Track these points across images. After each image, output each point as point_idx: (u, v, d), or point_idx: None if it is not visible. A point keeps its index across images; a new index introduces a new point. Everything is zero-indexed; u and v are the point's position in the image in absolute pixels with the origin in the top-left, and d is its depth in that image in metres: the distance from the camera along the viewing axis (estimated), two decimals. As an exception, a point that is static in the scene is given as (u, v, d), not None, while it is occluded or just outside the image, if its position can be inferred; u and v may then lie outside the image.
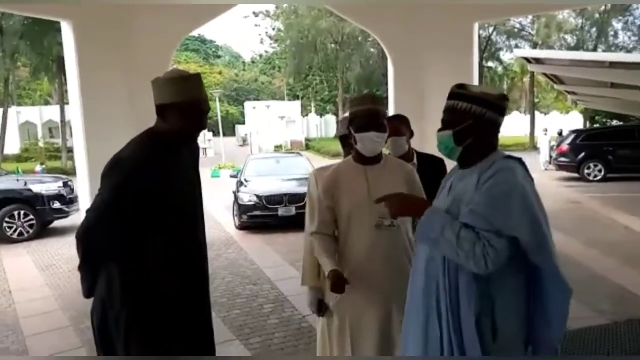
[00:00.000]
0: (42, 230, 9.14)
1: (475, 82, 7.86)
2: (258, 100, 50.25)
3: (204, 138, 30.60)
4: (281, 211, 8.74)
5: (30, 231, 8.84)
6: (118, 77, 6.83)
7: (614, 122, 26.84)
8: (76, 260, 2.07)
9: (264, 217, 8.85)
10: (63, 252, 7.74)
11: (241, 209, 8.95)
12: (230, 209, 9.83)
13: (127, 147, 2.03)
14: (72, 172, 12.53)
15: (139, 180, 1.93)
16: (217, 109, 29.84)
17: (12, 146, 32.70)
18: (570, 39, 33.33)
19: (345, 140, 2.61)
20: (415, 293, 1.83)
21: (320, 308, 2.45)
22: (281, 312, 4.80)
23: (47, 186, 9.28)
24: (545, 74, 15.77)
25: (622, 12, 31.01)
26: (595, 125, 29.28)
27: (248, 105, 43.50)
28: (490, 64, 35.33)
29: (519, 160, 1.75)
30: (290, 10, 36.72)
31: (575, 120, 34.51)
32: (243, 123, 45.05)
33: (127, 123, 6.16)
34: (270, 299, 5.20)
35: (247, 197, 8.97)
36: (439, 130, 1.80)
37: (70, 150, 20.21)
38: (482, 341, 1.65)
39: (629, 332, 4.02)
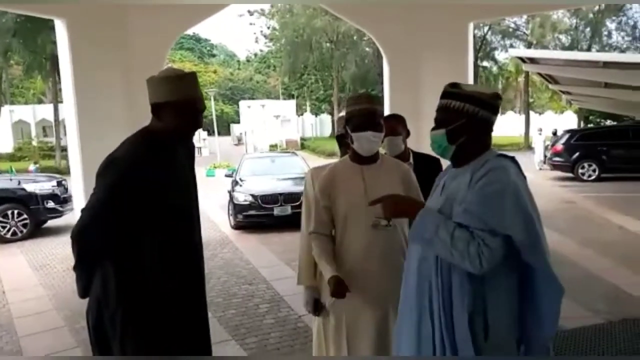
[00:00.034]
0: (36, 229, 9.08)
1: (471, 81, 7.87)
2: (253, 99, 50.23)
3: (199, 137, 30.50)
4: (277, 211, 8.73)
5: (24, 231, 8.79)
6: (112, 75, 6.81)
7: (608, 122, 26.99)
8: (71, 260, 2.06)
9: (260, 216, 8.82)
10: (57, 251, 7.69)
11: (236, 208, 8.93)
12: (225, 209, 9.81)
13: (122, 146, 2.02)
14: (66, 171, 12.51)
15: (134, 179, 1.93)
16: (212, 108, 29.76)
17: (6, 145, 32.63)
18: (564, 38, 33.52)
19: (342, 139, 2.61)
20: (408, 293, 1.83)
21: (317, 308, 2.44)
22: (277, 312, 4.80)
23: (41, 185, 9.24)
24: (540, 74, 15.85)
25: (616, 12, 31.22)
26: (589, 125, 29.43)
27: (243, 104, 43.44)
28: (485, 63, 35.47)
29: (512, 158, 1.75)
30: (285, 9, 36.67)
31: (569, 120, 34.71)
32: (238, 122, 44.97)
33: (122, 122, 6.15)
34: (266, 299, 5.19)
35: (242, 197, 8.95)
36: (432, 129, 1.80)
37: (64, 150, 20.15)
38: (474, 340, 1.65)
39: (624, 332, 4.03)
